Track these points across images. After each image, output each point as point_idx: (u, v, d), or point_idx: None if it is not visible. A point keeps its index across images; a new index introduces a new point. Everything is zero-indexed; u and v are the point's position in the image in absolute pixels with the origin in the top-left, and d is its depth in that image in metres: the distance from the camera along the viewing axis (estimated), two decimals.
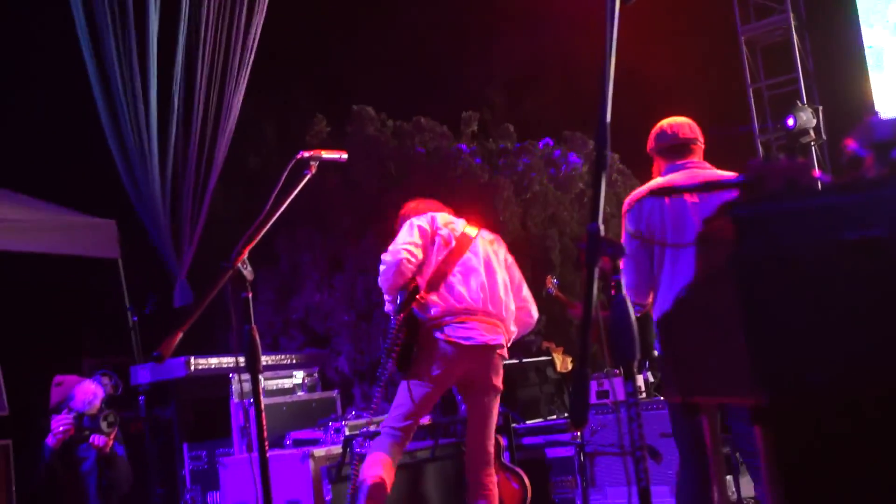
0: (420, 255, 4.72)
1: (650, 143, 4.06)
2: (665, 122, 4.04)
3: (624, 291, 2.21)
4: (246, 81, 8.36)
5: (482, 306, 4.63)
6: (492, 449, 4.72)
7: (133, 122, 8.27)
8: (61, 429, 5.27)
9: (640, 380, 6.29)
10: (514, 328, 4.75)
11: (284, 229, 7.34)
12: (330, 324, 8.24)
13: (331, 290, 8.15)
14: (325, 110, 8.57)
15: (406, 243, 4.73)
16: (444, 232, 4.79)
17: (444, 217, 4.89)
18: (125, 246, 8.12)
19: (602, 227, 2.21)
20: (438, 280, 4.67)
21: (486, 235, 4.88)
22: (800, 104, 7.91)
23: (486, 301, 4.65)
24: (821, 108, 8.06)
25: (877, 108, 7.55)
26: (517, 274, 4.90)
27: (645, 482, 2.16)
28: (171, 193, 8.48)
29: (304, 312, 8.27)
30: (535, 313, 4.92)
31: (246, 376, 6.99)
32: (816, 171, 1.67)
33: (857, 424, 1.68)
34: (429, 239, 4.79)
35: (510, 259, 4.91)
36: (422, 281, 4.71)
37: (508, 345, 4.74)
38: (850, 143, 1.77)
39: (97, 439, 5.33)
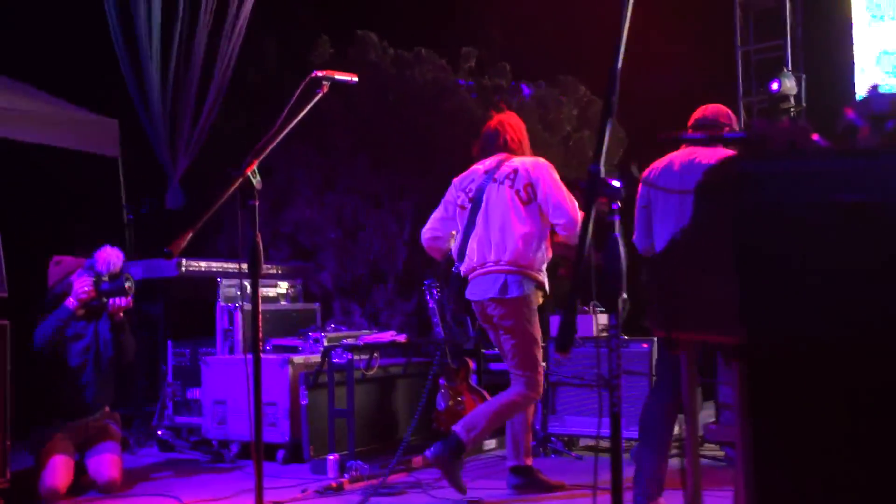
0: (439, 229, 5.19)
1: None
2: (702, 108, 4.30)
3: (617, 231, 2.31)
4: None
5: (478, 261, 4.87)
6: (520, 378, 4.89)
7: (142, 25, 8.23)
8: (85, 289, 5.34)
9: (605, 318, 6.40)
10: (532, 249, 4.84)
11: (281, 143, 7.34)
12: (317, 239, 8.29)
13: (321, 208, 8.18)
14: (329, 32, 8.50)
15: (429, 221, 5.23)
16: (460, 199, 5.03)
17: (464, 179, 5.11)
18: (126, 146, 8.12)
19: (602, 169, 2.30)
20: (462, 245, 4.98)
21: (503, 172, 4.95)
22: (786, 70, 7.97)
23: (484, 252, 4.85)
24: (804, 76, 8.13)
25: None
26: (541, 193, 4.86)
27: (618, 408, 2.27)
28: (173, 101, 8.46)
29: (294, 227, 8.31)
30: (568, 219, 4.81)
31: (233, 281, 7.12)
32: (815, 136, 1.73)
33: (825, 371, 1.80)
34: (453, 207, 5.09)
35: (533, 180, 4.88)
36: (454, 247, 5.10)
37: (566, 245, 4.93)
38: (849, 113, 1.86)
39: (119, 300, 5.41)
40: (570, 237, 4.76)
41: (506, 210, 4.79)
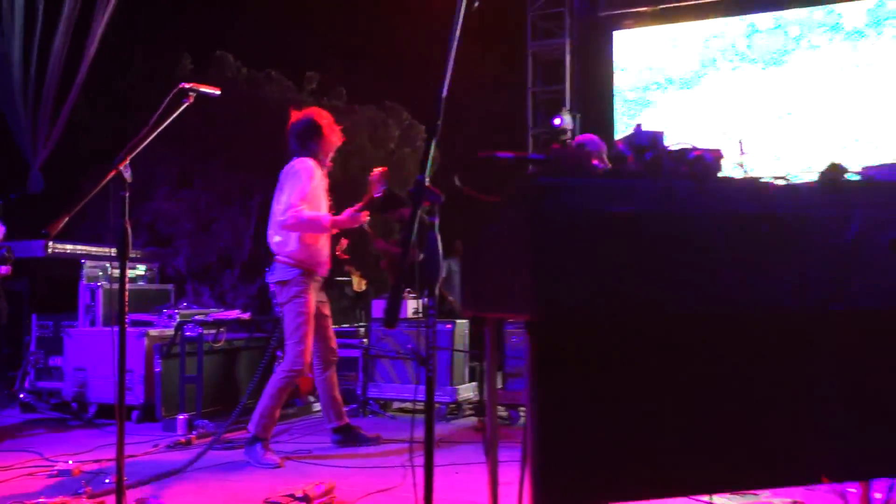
0: None
1: None
2: None
3: (437, 230, 2.38)
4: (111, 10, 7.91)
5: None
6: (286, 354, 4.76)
7: (7, 25, 7.69)
8: None
9: (415, 304, 6.58)
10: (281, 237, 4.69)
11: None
12: (174, 229, 8.02)
13: (178, 202, 7.93)
14: (190, 50, 8.25)
15: None
16: None
17: None
18: None
19: (427, 179, 2.37)
20: None
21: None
22: (565, 109, 8.38)
23: (268, 242, 4.77)
24: (578, 114, 8.58)
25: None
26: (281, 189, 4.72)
27: (433, 373, 2.34)
28: (34, 97, 7.96)
29: (153, 217, 8.01)
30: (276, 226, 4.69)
31: (95, 263, 6.83)
32: (595, 160, 1.85)
33: (603, 340, 1.93)
34: None
35: (281, 178, 4.75)
36: None
37: (286, 255, 4.71)
38: (619, 144, 2.00)
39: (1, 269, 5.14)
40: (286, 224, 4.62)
41: (274, 204, 4.72)
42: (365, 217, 4.96)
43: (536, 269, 1.77)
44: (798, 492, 2.83)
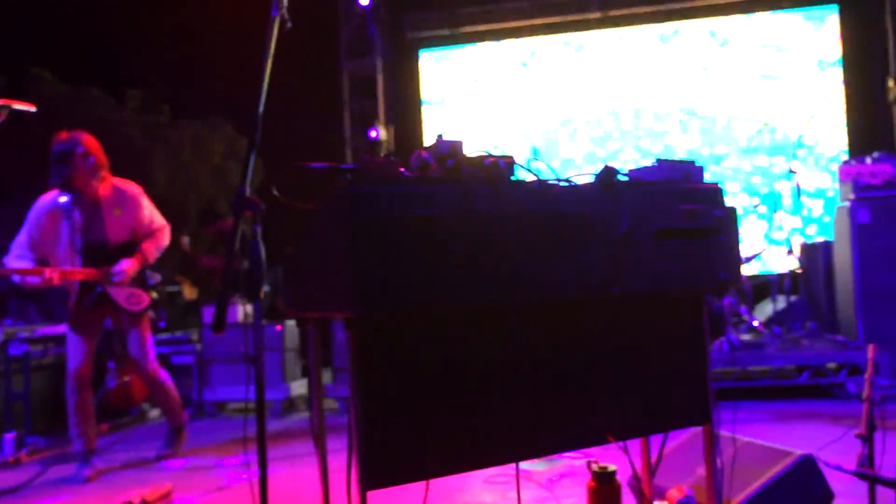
0: None
1: None
2: None
3: (260, 238, 2.33)
4: None
5: None
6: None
7: None
8: None
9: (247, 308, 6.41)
10: None
11: None
12: None
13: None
14: (4, 67, 7.55)
15: None
16: None
17: None
18: None
19: (248, 190, 2.31)
20: None
21: None
22: (379, 122, 8.44)
23: None
24: (392, 127, 8.67)
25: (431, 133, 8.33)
26: None
27: (262, 373, 2.29)
28: None
29: None
30: None
31: None
32: (402, 168, 1.85)
33: (413, 332, 1.95)
34: None
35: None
36: None
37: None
38: (424, 154, 2.03)
39: None
40: None
41: None
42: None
43: (351, 270, 1.76)
44: (592, 451, 3.00)
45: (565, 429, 2.15)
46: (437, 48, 8.75)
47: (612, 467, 2.62)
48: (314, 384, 2.42)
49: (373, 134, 8.26)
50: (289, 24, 2.46)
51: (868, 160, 5.52)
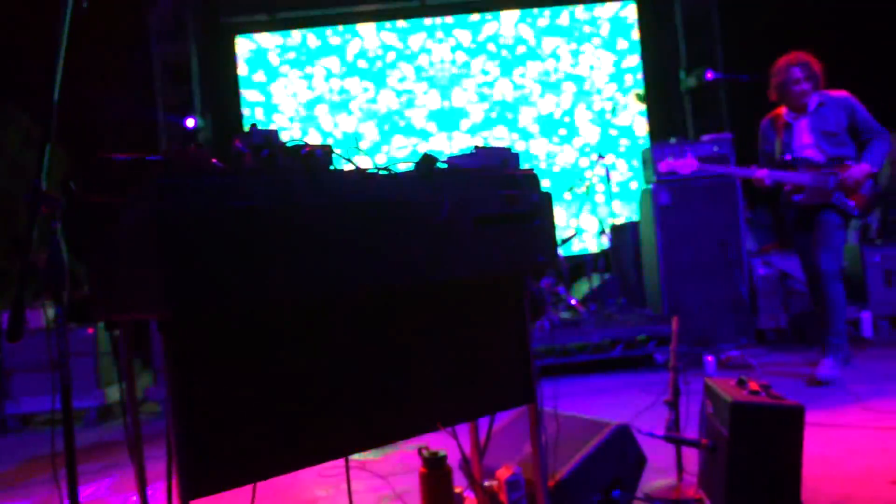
0: None
1: None
2: None
3: (60, 234, 2.13)
4: None
5: None
6: None
7: None
8: None
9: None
10: None
11: None
12: None
13: None
14: None
15: None
16: None
17: None
18: None
19: (44, 184, 2.11)
20: None
21: None
22: (194, 111, 8.04)
23: None
24: (209, 115, 8.29)
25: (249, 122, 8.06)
26: None
27: (69, 381, 2.10)
28: None
29: None
30: None
31: None
32: (214, 160, 1.76)
33: (231, 332, 1.86)
34: None
35: None
36: None
37: None
38: (238, 143, 1.93)
39: None
40: None
41: None
42: None
43: (160, 269, 1.64)
44: (427, 436, 3.02)
45: (395, 419, 2.13)
46: (254, 33, 8.46)
47: (442, 452, 2.65)
48: (127, 390, 2.26)
49: (189, 123, 7.86)
50: (85, 4, 2.26)
51: (671, 145, 5.94)
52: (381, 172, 2.08)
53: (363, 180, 1.99)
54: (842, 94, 4.73)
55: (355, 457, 2.97)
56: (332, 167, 1.98)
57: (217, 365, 1.81)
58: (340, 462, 2.22)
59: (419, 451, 2.69)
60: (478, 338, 2.27)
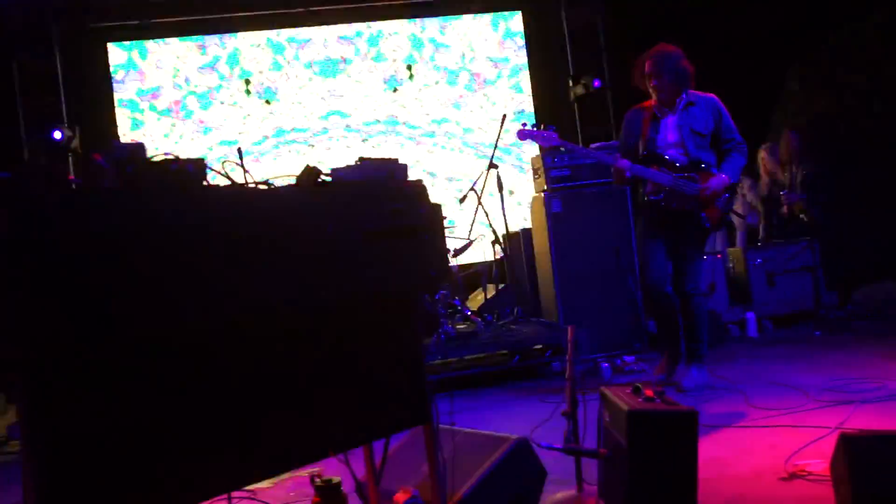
0: None
1: None
2: None
3: None
4: None
5: None
6: None
7: None
8: None
9: None
10: None
11: None
12: None
13: None
14: None
15: None
16: None
17: None
18: None
19: None
20: None
21: None
22: (62, 121, 7.61)
23: None
24: (78, 126, 7.85)
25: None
26: None
27: None
28: None
29: None
30: None
31: None
32: (72, 175, 1.64)
33: (95, 367, 1.71)
34: None
35: None
36: None
37: None
38: (98, 158, 1.80)
39: None
40: None
41: None
42: None
43: (10, 300, 1.49)
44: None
45: (283, 449, 2.04)
46: (127, 41, 8.08)
47: (336, 479, 2.56)
48: None
49: (57, 135, 7.42)
50: None
51: (561, 153, 6.05)
52: (260, 187, 1.98)
53: (240, 196, 1.89)
54: (710, 96, 4.65)
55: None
56: (205, 183, 1.87)
57: (77, 404, 1.66)
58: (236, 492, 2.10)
59: (311, 479, 2.59)
60: (369, 358, 2.20)
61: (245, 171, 2.33)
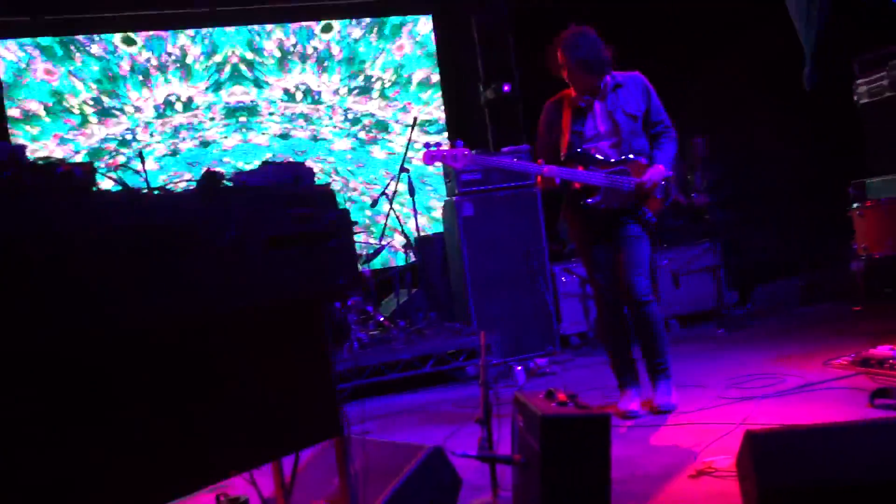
0: None
1: None
2: None
3: None
4: None
5: None
6: None
7: None
8: None
9: None
10: None
11: None
12: None
13: None
14: None
15: None
16: None
17: None
18: None
19: None
20: None
21: None
22: None
23: None
24: None
25: None
26: None
27: None
28: None
29: None
30: None
31: None
32: None
33: None
34: None
35: None
36: None
37: None
38: None
39: None
40: None
41: None
42: None
43: None
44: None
45: (184, 470, 1.93)
46: (15, 38, 7.66)
47: (243, 498, 2.46)
48: None
49: None
50: None
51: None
52: (155, 193, 1.88)
53: (132, 202, 1.78)
54: (636, 74, 4.19)
55: None
56: (94, 188, 1.76)
57: None
58: None
59: (217, 499, 2.48)
60: (275, 370, 2.11)
61: (145, 176, 2.21)
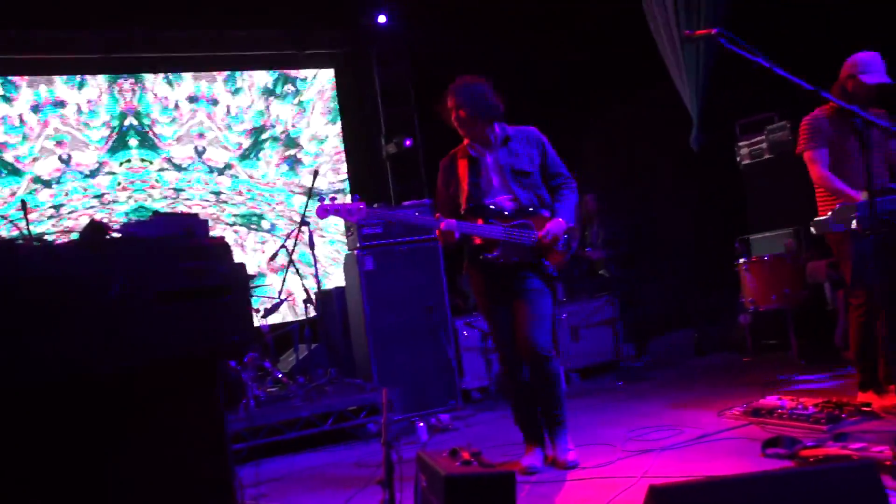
0: None
1: None
2: None
3: None
4: None
5: None
6: None
7: None
8: None
9: None
10: None
11: None
12: None
13: None
14: None
15: None
16: None
17: None
18: None
19: None
20: None
21: None
22: None
23: None
24: None
25: None
26: None
27: None
28: None
29: None
30: None
31: None
32: None
33: None
34: None
35: None
36: None
37: None
38: None
39: None
40: None
41: None
42: None
43: None
44: None
45: None
46: None
47: None
48: None
49: None
50: None
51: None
52: (33, 244, 1.74)
53: (5, 254, 1.64)
54: (530, 128, 4.19)
55: None
56: None
57: None
58: None
59: None
60: (163, 436, 1.97)
61: (27, 226, 2.07)
